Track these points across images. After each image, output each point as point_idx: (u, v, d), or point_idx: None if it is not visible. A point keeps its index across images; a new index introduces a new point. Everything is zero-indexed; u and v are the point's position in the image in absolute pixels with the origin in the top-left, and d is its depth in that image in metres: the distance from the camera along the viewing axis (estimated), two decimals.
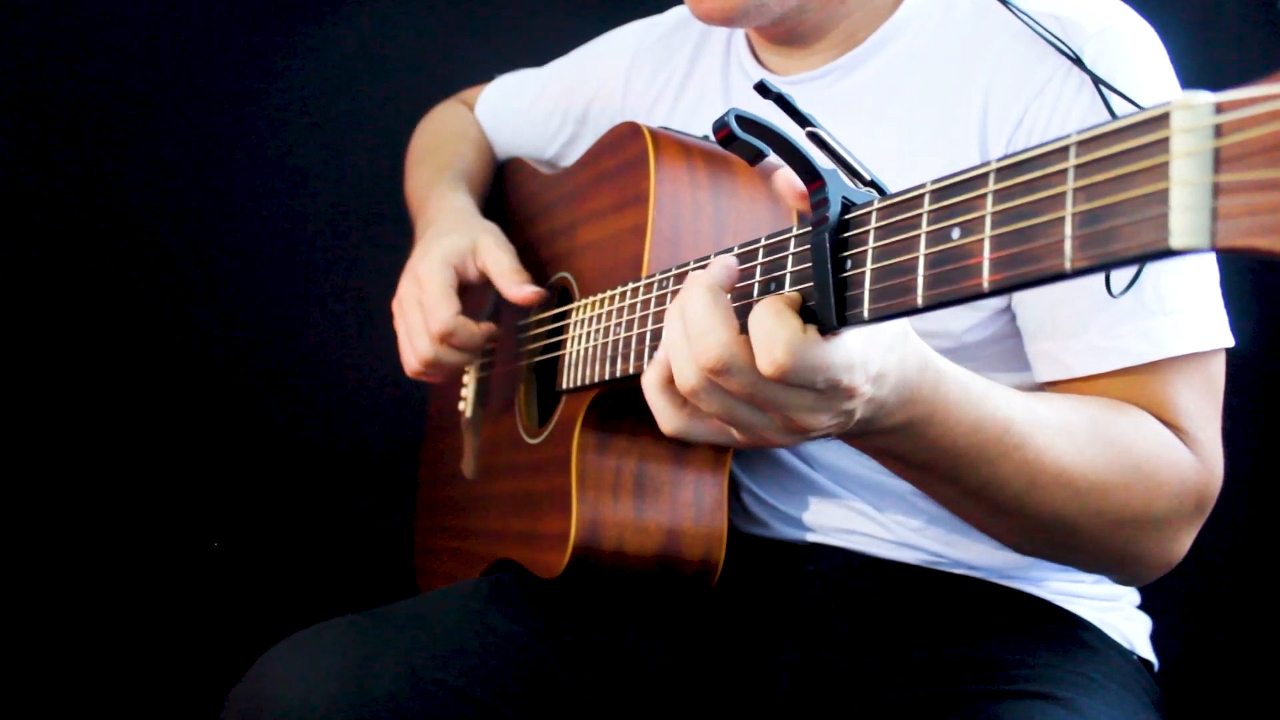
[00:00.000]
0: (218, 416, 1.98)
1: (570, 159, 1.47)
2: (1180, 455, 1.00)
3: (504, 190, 1.55)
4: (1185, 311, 1.01)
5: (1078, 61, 1.04)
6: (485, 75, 1.61)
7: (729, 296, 0.78)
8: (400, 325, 1.30)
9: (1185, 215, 0.50)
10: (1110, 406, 1.00)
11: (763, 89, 0.76)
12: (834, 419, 0.77)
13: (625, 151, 1.16)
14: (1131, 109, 0.99)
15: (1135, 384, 1.01)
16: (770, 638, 1.17)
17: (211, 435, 1.98)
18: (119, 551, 1.93)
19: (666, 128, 1.17)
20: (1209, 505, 1.02)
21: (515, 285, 1.24)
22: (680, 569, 1.12)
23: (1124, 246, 0.53)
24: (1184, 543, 1.02)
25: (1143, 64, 1.07)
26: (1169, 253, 0.51)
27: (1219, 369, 1.04)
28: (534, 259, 1.35)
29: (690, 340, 0.76)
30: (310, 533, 2.00)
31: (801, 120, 0.76)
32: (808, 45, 1.22)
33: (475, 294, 1.31)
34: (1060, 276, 0.57)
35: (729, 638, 1.19)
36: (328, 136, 2.01)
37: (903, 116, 1.15)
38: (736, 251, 0.82)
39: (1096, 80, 1.03)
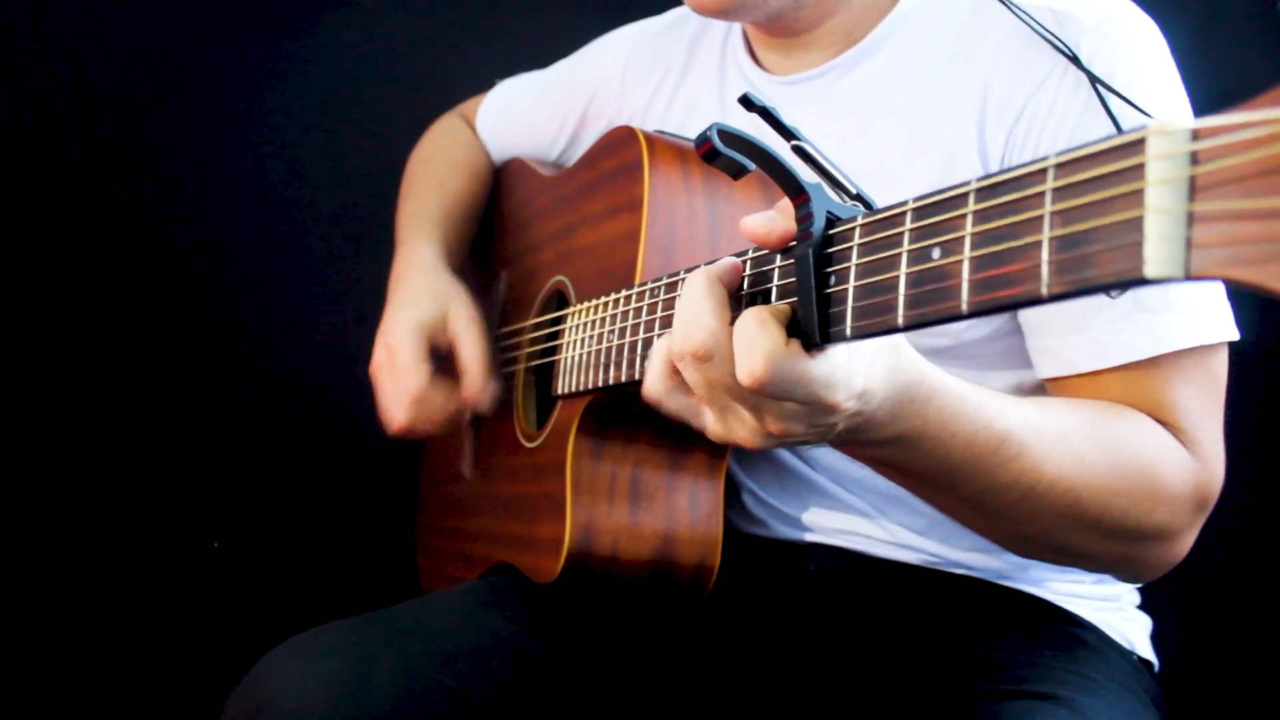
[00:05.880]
0: (217, 417, 1.97)
1: (574, 159, 1.46)
2: (1180, 459, 0.99)
3: (503, 190, 1.54)
4: (1188, 304, 0.99)
5: (1074, 59, 1.02)
6: (487, 76, 1.60)
7: (726, 292, 0.77)
8: (378, 391, 1.35)
9: (1160, 245, 0.50)
10: (1109, 410, 0.98)
11: (747, 102, 0.76)
12: (811, 429, 0.77)
13: (620, 156, 1.16)
14: (1126, 109, 1.00)
15: (1136, 381, 1.00)
16: (770, 638, 1.17)
17: (211, 435, 1.97)
18: (118, 553, 1.93)
19: (662, 131, 1.16)
20: (1210, 504, 1.01)
21: (476, 387, 1.30)
22: (675, 574, 1.11)
23: (1099, 273, 0.53)
24: (1186, 543, 1.01)
25: (1142, 59, 1.05)
26: (1143, 281, 0.51)
27: (1221, 363, 1.03)
28: (531, 262, 1.35)
29: (681, 324, 0.76)
30: (311, 533, 2.00)
31: (786, 133, 0.75)
32: (805, 43, 1.20)
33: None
34: (1037, 301, 0.56)
35: (729, 638, 1.19)
36: (329, 136, 2.00)
37: (902, 113, 1.14)
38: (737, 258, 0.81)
39: (1093, 79, 1.01)
